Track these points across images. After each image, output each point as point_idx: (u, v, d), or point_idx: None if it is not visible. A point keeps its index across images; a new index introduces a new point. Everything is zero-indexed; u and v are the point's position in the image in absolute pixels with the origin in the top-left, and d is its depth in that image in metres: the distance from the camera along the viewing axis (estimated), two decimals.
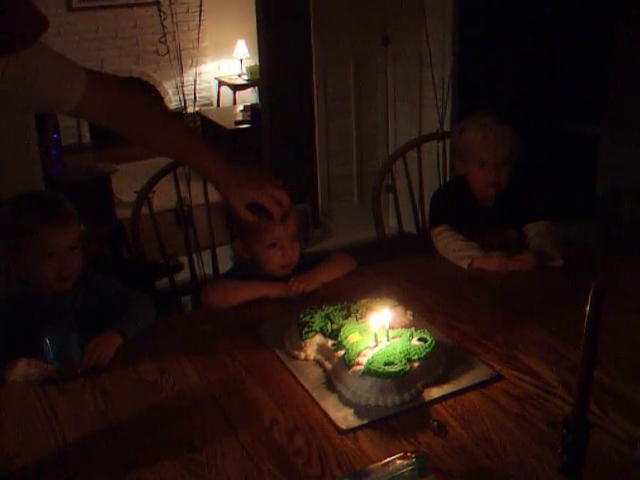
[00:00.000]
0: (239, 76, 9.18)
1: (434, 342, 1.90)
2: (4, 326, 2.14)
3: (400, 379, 1.77)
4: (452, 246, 2.65)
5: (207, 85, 9.39)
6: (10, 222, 2.15)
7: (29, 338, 2.02)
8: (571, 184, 4.87)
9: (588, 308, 1.22)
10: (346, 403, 1.78)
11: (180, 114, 5.41)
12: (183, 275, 3.49)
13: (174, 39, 4.97)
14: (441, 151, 3.33)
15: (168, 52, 4.52)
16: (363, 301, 2.14)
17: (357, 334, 1.95)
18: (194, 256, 2.98)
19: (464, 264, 2.56)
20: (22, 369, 1.96)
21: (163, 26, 4.26)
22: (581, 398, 1.30)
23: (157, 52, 8.54)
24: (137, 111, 2.05)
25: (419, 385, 1.81)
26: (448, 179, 3.27)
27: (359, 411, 1.75)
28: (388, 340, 1.91)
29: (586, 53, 4.75)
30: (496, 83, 4.72)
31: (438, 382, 1.85)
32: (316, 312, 2.10)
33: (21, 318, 2.14)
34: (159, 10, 4.34)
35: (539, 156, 4.74)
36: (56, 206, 2.18)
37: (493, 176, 2.73)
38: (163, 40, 4.33)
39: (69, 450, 1.70)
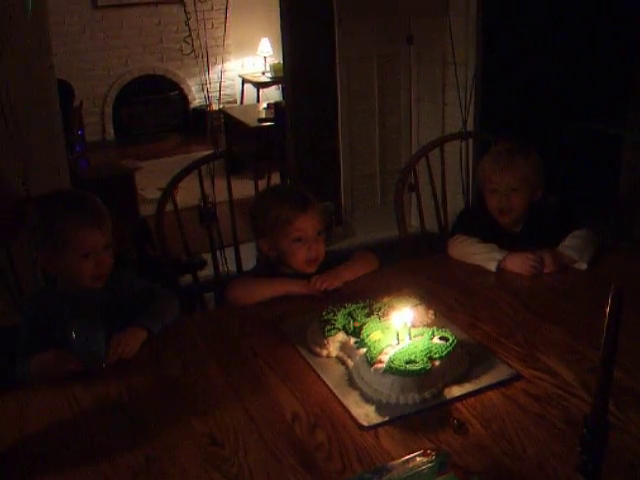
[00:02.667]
0: (263, 74, 9.22)
1: (455, 341, 1.92)
2: (31, 322, 2.17)
3: (421, 377, 1.78)
4: (472, 249, 2.64)
5: (231, 83, 9.43)
6: (47, 223, 2.16)
7: (56, 333, 2.04)
8: (594, 184, 4.86)
9: (607, 311, 1.23)
10: (367, 400, 1.80)
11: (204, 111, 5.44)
12: (206, 272, 3.51)
13: (198, 36, 5.00)
14: (464, 151, 3.34)
15: (193, 51, 4.55)
16: (385, 299, 2.16)
17: (379, 332, 1.97)
18: (217, 253, 3.00)
19: (492, 267, 2.55)
20: (49, 363, 1.99)
21: (188, 26, 4.29)
22: (600, 398, 1.30)
23: (181, 51, 8.58)
24: None
25: (440, 384, 1.83)
26: (470, 180, 3.27)
27: (380, 408, 1.77)
28: (410, 339, 1.92)
29: (611, 52, 4.74)
30: (520, 83, 4.72)
31: (459, 381, 1.87)
32: (339, 310, 2.12)
33: (48, 314, 2.17)
34: (185, 11, 4.37)
35: (562, 156, 4.75)
36: (92, 206, 2.20)
37: (503, 203, 2.71)
38: (188, 40, 4.36)
39: (93, 443, 1.72)
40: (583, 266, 2.54)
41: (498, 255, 2.56)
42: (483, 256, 2.59)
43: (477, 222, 2.81)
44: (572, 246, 2.58)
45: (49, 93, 3.49)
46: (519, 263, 2.52)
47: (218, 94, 5.50)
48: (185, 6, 4.63)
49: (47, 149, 3.50)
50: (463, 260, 2.65)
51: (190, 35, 4.39)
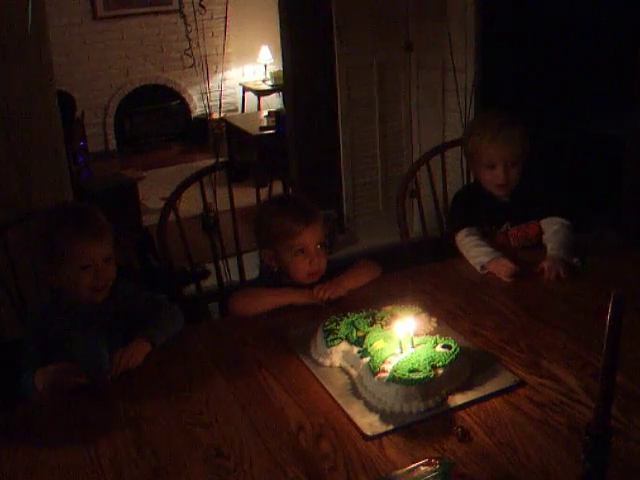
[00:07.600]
0: (263, 82, 9.22)
1: (458, 349, 1.92)
2: (36, 335, 2.18)
3: (424, 386, 1.79)
4: (470, 253, 2.69)
5: (232, 91, 9.44)
6: (47, 236, 2.18)
7: (60, 347, 2.05)
8: (597, 188, 4.86)
9: (608, 318, 1.23)
10: (371, 409, 1.80)
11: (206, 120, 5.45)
12: (210, 282, 3.52)
13: (198, 46, 5.02)
14: (464, 157, 3.34)
15: (194, 64, 4.56)
16: (388, 308, 2.16)
17: (382, 341, 1.97)
18: (220, 263, 3.01)
19: (478, 269, 2.61)
20: (53, 376, 1.99)
21: (189, 39, 4.29)
22: (602, 404, 1.31)
23: (183, 64, 8.57)
24: None
25: (443, 392, 1.83)
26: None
27: (384, 417, 1.77)
28: (413, 347, 1.93)
29: (610, 55, 4.74)
30: (519, 88, 4.72)
31: (462, 389, 1.87)
32: (341, 319, 2.12)
33: (52, 327, 2.18)
34: (185, 23, 4.37)
35: (564, 160, 4.75)
36: (92, 219, 2.22)
37: (502, 178, 2.76)
38: (189, 52, 4.36)
39: (100, 455, 1.73)
40: (576, 261, 2.57)
41: (484, 258, 2.61)
42: (475, 260, 2.65)
43: (472, 201, 2.89)
44: (560, 246, 2.63)
45: (50, 106, 3.50)
46: (498, 268, 2.56)
47: (219, 103, 5.50)
48: (185, 17, 4.63)
49: (49, 161, 3.51)
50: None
51: (190, 48, 4.39)
